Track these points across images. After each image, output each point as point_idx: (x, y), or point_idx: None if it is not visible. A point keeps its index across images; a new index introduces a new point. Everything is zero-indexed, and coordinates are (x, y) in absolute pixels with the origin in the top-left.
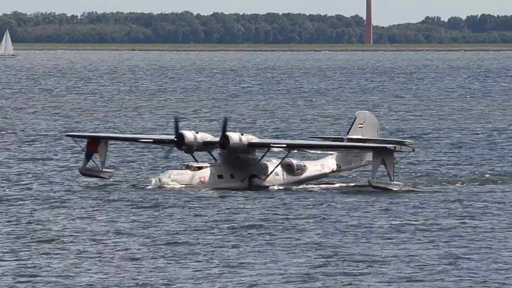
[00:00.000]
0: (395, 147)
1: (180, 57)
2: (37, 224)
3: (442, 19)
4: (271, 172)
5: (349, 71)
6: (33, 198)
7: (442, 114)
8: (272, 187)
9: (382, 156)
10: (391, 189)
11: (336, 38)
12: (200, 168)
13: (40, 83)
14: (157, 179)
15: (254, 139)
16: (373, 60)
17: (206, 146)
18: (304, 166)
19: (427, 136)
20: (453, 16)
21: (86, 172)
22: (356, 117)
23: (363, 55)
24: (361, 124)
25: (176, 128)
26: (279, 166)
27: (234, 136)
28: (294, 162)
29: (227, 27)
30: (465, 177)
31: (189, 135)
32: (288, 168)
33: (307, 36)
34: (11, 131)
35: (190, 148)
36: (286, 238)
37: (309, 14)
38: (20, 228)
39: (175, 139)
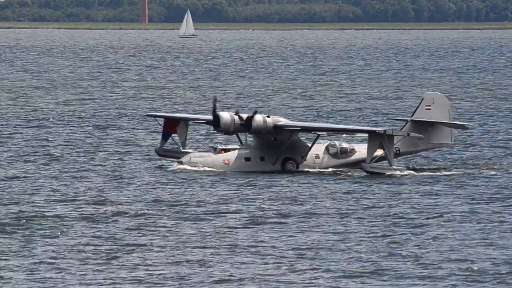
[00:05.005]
0: (385, 131)
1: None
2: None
3: None
4: (306, 155)
5: None
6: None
7: None
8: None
9: (379, 140)
10: (387, 174)
11: None
12: (226, 150)
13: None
14: (178, 161)
15: (283, 121)
16: None
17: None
18: (352, 149)
19: None
20: None
21: (162, 153)
22: (423, 99)
23: None
24: (429, 106)
25: (213, 109)
26: (323, 149)
27: (257, 118)
28: (339, 144)
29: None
30: None
31: (225, 116)
32: (332, 151)
33: None
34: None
35: (226, 129)
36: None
37: None
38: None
39: (212, 120)
